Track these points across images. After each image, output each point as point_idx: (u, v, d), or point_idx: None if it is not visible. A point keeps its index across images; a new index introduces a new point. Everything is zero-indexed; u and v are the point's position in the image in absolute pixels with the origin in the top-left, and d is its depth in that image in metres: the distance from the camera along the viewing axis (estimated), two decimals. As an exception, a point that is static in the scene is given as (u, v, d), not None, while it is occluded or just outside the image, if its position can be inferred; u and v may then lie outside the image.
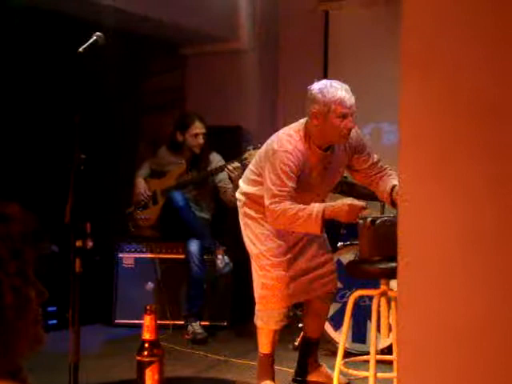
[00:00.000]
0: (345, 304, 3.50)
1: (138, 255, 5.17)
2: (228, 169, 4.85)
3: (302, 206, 3.37)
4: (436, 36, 1.44)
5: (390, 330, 3.39)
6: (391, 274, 3.14)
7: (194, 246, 4.92)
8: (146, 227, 5.25)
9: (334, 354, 3.55)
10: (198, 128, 5.11)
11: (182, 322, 4.88)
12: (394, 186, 3.53)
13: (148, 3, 5.08)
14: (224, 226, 5.28)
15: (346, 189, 4.27)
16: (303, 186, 3.49)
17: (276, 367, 3.73)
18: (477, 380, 1.43)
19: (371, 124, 5.57)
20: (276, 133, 3.61)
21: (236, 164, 4.80)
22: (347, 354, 3.87)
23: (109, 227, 5.25)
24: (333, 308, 4.09)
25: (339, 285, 3.94)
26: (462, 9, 1.42)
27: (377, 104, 5.18)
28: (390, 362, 3.58)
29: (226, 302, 5.11)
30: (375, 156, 3.71)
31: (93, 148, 3.13)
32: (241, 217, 3.73)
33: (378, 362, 3.29)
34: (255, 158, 3.74)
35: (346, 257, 4.18)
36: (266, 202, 3.43)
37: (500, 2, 1.38)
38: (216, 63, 5.94)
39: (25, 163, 5.00)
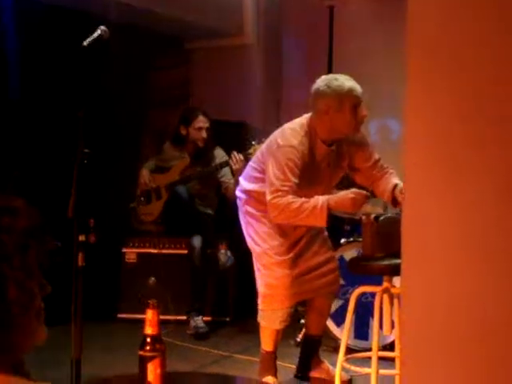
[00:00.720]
0: (347, 300, 3.50)
1: (141, 250, 5.18)
2: (232, 160, 4.84)
3: (305, 199, 3.36)
4: (442, 33, 1.43)
5: (392, 326, 3.39)
6: (394, 270, 3.14)
7: (196, 241, 4.92)
8: (149, 222, 5.25)
9: (336, 350, 3.55)
10: (201, 122, 5.11)
11: (185, 317, 4.88)
12: (395, 185, 3.52)
13: (153, -2, 5.08)
14: (227, 221, 5.27)
15: (346, 184, 4.26)
16: (307, 181, 3.48)
17: (278, 363, 3.73)
18: (480, 377, 1.43)
19: (379, 120, 5.56)
20: (280, 128, 3.60)
21: (240, 156, 4.80)
22: (349, 351, 3.87)
23: (112, 222, 5.25)
24: (335, 304, 4.09)
25: (342, 281, 3.94)
26: (468, 6, 1.41)
27: (383, 100, 5.16)
28: (392, 359, 3.57)
29: (228, 298, 5.11)
30: (376, 155, 3.71)
31: (97, 143, 3.12)
32: (241, 215, 3.71)
33: (380, 358, 3.28)
34: (256, 154, 3.72)
35: (349, 253, 4.18)
36: (268, 196, 3.41)
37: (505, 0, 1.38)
38: (221, 58, 5.94)
39: (29, 158, 5.00)
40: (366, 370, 3.38)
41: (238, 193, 3.75)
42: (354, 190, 3.48)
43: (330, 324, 4.23)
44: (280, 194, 3.38)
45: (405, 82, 1.46)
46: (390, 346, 3.83)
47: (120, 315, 5.08)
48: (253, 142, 4.75)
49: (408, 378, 1.53)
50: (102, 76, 4.64)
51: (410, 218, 1.50)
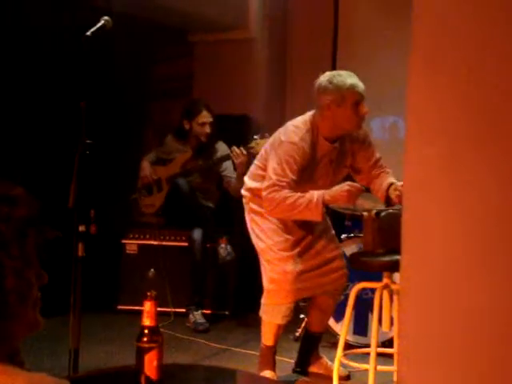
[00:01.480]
0: (347, 296, 3.50)
1: (141, 242, 5.18)
2: (233, 154, 4.83)
3: (301, 194, 3.37)
4: (445, 28, 1.42)
5: (391, 323, 3.39)
6: (394, 266, 3.14)
7: (197, 234, 4.92)
8: (150, 214, 5.25)
9: (335, 345, 3.55)
10: (205, 117, 5.10)
11: (184, 310, 4.88)
12: (390, 184, 3.52)
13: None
14: (228, 215, 5.27)
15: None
16: (307, 178, 3.47)
17: (277, 357, 3.73)
18: (478, 374, 1.42)
19: (387, 118, 5.54)
20: (284, 125, 3.60)
21: (242, 149, 4.79)
22: (348, 346, 3.87)
23: (113, 214, 5.25)
24: (335, 300, 4.08)
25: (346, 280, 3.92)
26: (473, 1, 1.40)
27: (390, 95, 5.12)
28: (391, 355, 3.58)
29: (228, 291, 5.11)
30: (377, 154, 3.71)
31: (99, 134, 3.12)
32: (247, 214, 3.72)
33: (379, 354, 3.29)
34: (261, 152, 3.72)
35: (350, 249, 4.18)
36: (264, 192, 3.42)
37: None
38: (224, 51, 5.92)
39: (31, 148, 5.00)
40: (364, 365, 3.39)
41: (243, 192, 3.76)
42: (348, 182, 3.47)
43: (330, 320, 4.22)
44: (276, 188, 3.38)
45: (406, 76, 1.46)
46: (389, 343, 3.83)
47: (120, 307, 5.09)
48: (255, 137, 4.74)
49: (406, 374, 1.53)
50: (106, 67, 4.64)
51: (409, 215, 1.49)
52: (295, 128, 3.50)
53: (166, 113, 5.98)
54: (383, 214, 3.27)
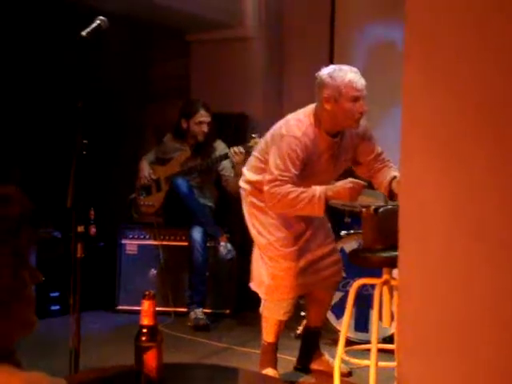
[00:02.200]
0: (348, 293, 3.49)
1: (141, 242, 5.18)
2: (232, 152, 4.82)
3: (303, 189, 3.35)
4: (440, 22, 1.42)
5: (392, 319, 3.38)
6: (394, 262, 3.12)
7: (197, 233, 4.92)
8: (150, 214, 5.24)
9: (336, 342, 3.54)
10: (202, 116, 5.09)
11: (185, 309, 4.88)
12: (393, 178, 3.50)
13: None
14: (227, 214, 5.27)
15: (343, 174, 4.25)
16: (309, 172, 3.46)
17: (278, 355, 3.72)
18: (478, 368, 1.42)
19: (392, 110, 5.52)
20: (285, 117, 3.57)
21: (240, 148, 4.78)
22: (349, 343, 3.87)
23: (112, 214, 5.25)
24: (336, 297, 4.08)
25: (343, 274, 3.93)
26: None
27: (390, 90, 5.10)
28: (392, 351, 3.57)
29: (228, 290, 5.11)
30: (379, 148, 3.69)
31: (98, 134, 3.12)
32: (245, 206, 3.68)
33: (380, 350, 3.28)
34: (260, 144, 3.69)
35: (350, 245, 4.18)
36: (266, 186, 3.40)
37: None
38: (221, 50, 5.91)
39: (29, 148, 5.00)
40: (365, 362, 3.38)
41: (241, 183, 3.71)
42: (351, 179, 3.46)
43: (330, 316, 4.23)
44: (278, 183, 3.36)
45: (402, 67, 1.45)
46: (390, 339, 3.83)
47: (120, 307, 5.09)
48: (253, 135, 4.73)
49: (406, 369, 1.53)
50: (102, 67, 4.63)
51: (407, 209, 1.49)
52: (297, 122, 3.46)
53: (164, 112, 5.98)
54: (382, 210, 3.26)
